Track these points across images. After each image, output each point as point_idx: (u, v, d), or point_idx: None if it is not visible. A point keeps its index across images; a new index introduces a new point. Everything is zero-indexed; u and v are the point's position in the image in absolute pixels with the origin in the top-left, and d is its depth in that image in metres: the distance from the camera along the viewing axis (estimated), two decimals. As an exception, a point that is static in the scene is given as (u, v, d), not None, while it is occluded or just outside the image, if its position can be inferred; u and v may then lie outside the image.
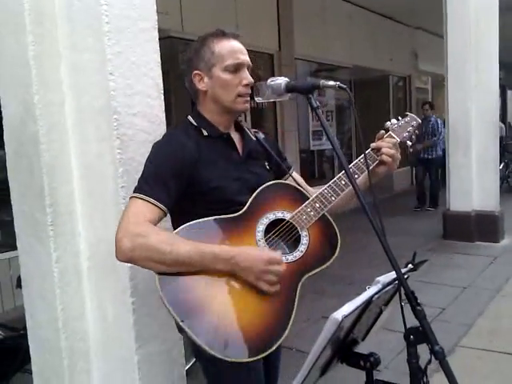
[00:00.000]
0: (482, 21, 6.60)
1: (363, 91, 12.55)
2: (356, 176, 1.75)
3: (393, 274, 1.38)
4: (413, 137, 1.94)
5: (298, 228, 1.67)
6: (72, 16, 1.95)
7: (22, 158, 2.09)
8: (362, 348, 1.58)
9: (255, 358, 1.48)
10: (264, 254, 1.53)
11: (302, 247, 1.65)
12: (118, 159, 1.90)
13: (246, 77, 1.70)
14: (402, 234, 7.23)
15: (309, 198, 1.72)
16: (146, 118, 2.00)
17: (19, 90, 2.03)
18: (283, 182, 1.82)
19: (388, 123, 1.91)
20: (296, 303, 1.58)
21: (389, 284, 1.38)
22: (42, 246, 2.05)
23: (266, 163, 1.85)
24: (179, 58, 7.03)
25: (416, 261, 1.54)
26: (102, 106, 1.92)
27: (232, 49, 1.69)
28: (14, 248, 2.25)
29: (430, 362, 1.32)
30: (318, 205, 1.70)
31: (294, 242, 1.67)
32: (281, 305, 1.56)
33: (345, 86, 1.51)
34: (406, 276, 1.43)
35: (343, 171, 1.71)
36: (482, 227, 6.64)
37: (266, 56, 8.75)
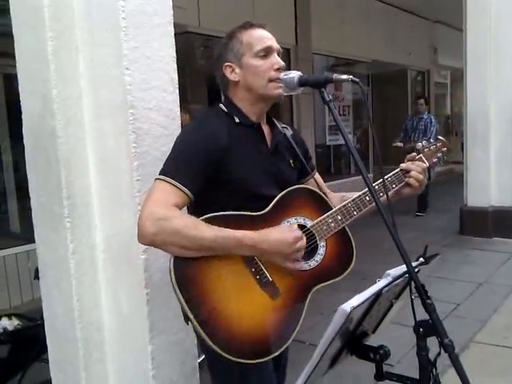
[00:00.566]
0: (502, 15, 6.50)
1: (381, 86, 12.48)
2: (381, 194, 1.74)
3: (403, 268, 1.38)
4: (441, 162, 1.96)
5: (317, 237, 1.67)
6: (90, 11, 1.98)
7: (40, 151, 2.13)
8: (375, 342, 1.58)
9: (260, 360, 1.52)
10: (287, 237, 1.54)
11: (318, 257, 1.66)
12: (134, 153, 1.92)
13: (277, 61, 1.69)
14: (418, 229, 7.19)
15: (331, 209, 1.71)
16: (162, 113, 2.02)
17: (38, 84, 2.07)
18: (310, 188, 1.80)
19: (419, 145, 1.93)
20: (304, 312, 1.60)
21: (399, 277, 1.38)
22: (58, 238, 2.09)
23: (291, 160, 1.84)
24: (196, 53, 7.06)
25: (428, 254, 1.54)
26: (119, 101, 1.95)
27: (260, 36, 1.70)
28: (33, 241, 2.29)
29: (439, 354, 1.33)
30: (339, 217, 1.69)
31: (311, 251, 1.67)
32: (289, 311, 1.58)
33: (357, 80, 1.51)
34: (416, 270, 1.43)
35: (377, 182, 1.75)
36: (499, 223, 6.56)
37: (283, 50, 8.71)
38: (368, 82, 12.34)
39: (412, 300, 1.39)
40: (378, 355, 1.46)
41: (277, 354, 1.55)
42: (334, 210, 1.70)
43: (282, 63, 1.69)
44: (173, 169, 1.57)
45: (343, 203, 1.72)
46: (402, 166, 1.84)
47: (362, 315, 1.37)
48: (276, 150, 1.77)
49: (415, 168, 1.82)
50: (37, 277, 2.33)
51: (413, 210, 8.63)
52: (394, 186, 1.80)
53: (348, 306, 1.21)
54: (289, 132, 1.87)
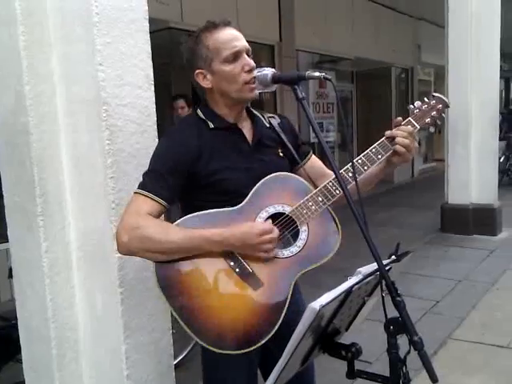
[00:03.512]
0: (483, 12, 6.56)
1: (365, 83, 12.52)
2: (366, 168, 1.69)
3: (374, 265, 1.38)
4: (438, 122, 1.79)
5: (298, 222, 1.64)
6: (62, 6, 1.95)
7: (13, 148, 2.10)
8: (354, 340, 1.56)
9: (243, 351, 1.53)
10: (254, 229, 1.56)
11: (300, 242, 1.64)
12: (107, 150, 1.90)
13: (247, 62, 1.65)
14: (400, 226, 7.26)
15: (312, 191, 1.67)
16: (136, 109, 2.00)
17: (11, 80, 2.03)
18: (286, 173, 1.74)
19: (411, 106, 1.77)
20: (288, 299, 1.59)
21: (369, 275, 1.38)
22: (32, 236, 2.06)
23: (280, 150, 1.80)
24: (179, 48, 7.01)
25: (406, 251, 1.54)
26: (92, 97, 1.92)
27: (226, 38, 1.65)
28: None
29: (409, 352, 1.33)
30: (320, 198, 1.65)
31: (293, 237, 1.65)
32: (273, 300, 1.58)
33: (329, 77, 1.51)
34: (388, 267, 1.43)
35: (348, 165, 1.66)
36: (479, 220, 6.64)
37: (267, 47, 8.72)
38: (352, 79, 12.37)
39: (383, 298, 1.39)
40: (350, 353, 1.45)
41: (267, 339, 1.55)
42: (314, 192, 1.66)
43: (252, 63, 1.66)
44: (145, 182, 1.63)
45: (323, 183, 1.67)
46: (387, 133, 1.72)
47: (332, 313, 1.36)
48: (260, 145, 1.75)
49: (400, 134, 1.69)
50: (11, 275, 2.30)
51: (399, 202, 8.69)
52: (379, 156, 1.69)
53: (317, 303, 1.21)
54: (276, 121, 1.84)
